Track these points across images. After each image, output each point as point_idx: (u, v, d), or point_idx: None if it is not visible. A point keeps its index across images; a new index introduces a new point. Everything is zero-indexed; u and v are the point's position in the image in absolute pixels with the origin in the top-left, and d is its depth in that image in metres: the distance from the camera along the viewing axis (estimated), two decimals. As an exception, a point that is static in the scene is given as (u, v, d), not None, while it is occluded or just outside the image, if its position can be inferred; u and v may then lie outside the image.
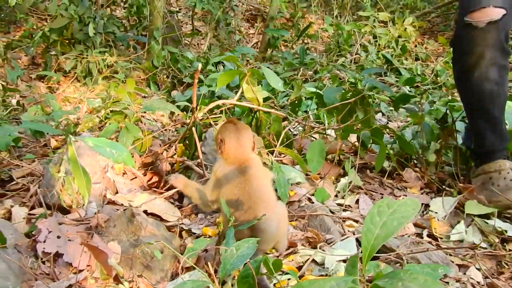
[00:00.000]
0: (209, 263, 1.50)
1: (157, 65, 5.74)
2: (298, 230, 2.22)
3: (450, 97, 3.84)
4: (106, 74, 5.39)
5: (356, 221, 2.37)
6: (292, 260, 2.01)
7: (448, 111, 2.94)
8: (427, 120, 3.01)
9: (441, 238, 2.30)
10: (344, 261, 1.98)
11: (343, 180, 2.73)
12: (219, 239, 1.91)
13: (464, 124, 2.94)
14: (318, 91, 4.13)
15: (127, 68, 5.62)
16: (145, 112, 3.80)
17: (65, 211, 2.32)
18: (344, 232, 2.24)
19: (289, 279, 1.85)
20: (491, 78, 2.40)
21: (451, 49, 2.56)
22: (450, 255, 2.13)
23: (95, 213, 2.28)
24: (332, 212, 2.42)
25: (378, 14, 7.40)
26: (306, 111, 3.96)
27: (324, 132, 3.13)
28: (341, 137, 2.88)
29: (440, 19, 9.58)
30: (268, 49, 7.39)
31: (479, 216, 2.41)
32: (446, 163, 3.00)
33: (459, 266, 2.06)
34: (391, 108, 4.99)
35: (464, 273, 2.00)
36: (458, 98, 2.80)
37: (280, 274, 1.82)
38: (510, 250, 2.19)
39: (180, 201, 2.55)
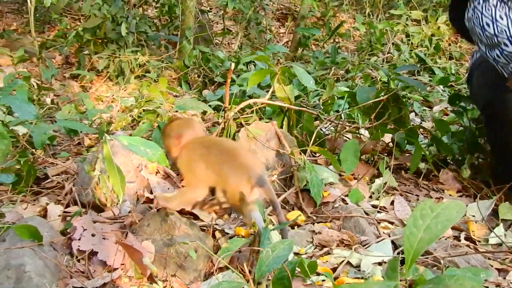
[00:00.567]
0: (244, 264, 1.48)
1: (188, 64, 5.75)
2: (333, 231, 2.19)
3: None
4: (138, 73, 5.42)
5: (391, 223, 2.33)
6: (327, 261, 1.99)
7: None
8: (464, 121, 2.95)
9: (479, 242, 2.25)
10: (380, 263, 1.94)
11: (378, 181, 2.68)
12: (253, 240, 1.89)
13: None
14: (350, 90, 4.09)
15: (158, 68, 5.65)
16: (176, 111, 3.81)
17: (99, 209, 2.33)
18: (379, 234, 2.21)
19: (323, 280, 1.82)
20: None
21: None
22: (489, 258, 2.07)
23: (129, 212, 2.29)
24: (367, 214, 2.39)
25: (410, 12, 7.29)
26: (337, 111, 3.92)
27: (357, 132, 3.08)
28: (375, 137, 2.83)
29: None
30: (299, 48, 7.34)
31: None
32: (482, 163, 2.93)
33: (499, 270, 2.00)
34: (424, 108, 4.91)
35: (504, 278, 1.95)
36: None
37: (315, 275, 1.80)
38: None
39: (213, 201, 2.54)
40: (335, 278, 1.85)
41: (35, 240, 1.89)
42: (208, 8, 8.50)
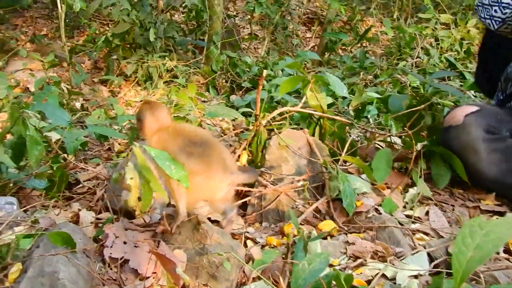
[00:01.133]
0: (280, 277, 1.46)
1: (216, 69, 5.76)
2: (367, 242, 2.15)
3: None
4: (166, 78, 5.45)
5: (427, 234, 2.27)
6: (361, 273, 1.95)
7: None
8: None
9: (518, 255, 2.18)
10: (416, 276, 1.90)
11: (412, 191, 2.63)
12: (287, 251, 1.86)
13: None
14: (379, 96, 4.04)
15: (186, 73, 5.67)
16: (203, 115, 3.80)
17: (130, 216, 2.33)
18: (415, 245, 2.16)
19: (358, 293, 1.79)
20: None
21: None
22: (530, 273, 2.01)
23: (160, 219, 2.28)
24: (401, 224, 2.34)
25: (439, 15, 7.19)
26: (367, 117, 3.87)
27: (389, 140, 3.03)
28: (408, 146, 2.78)
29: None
30: (326, 53, 7.31)
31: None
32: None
33: (540, 285, 1.94)
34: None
35: (546, 293, 1.88)
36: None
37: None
38: None
39: (244, 209, 2.53)
40: (370, 291, 1.81)
41: (68, 247, 1.89)
42: (235, 13, 8.51)
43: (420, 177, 2.63)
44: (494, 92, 2.98)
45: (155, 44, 5.74)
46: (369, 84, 5.67)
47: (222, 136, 3.67)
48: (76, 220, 2.29)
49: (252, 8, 6.44)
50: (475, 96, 5.20)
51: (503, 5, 2.63)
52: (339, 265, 2.01)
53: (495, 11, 2.67)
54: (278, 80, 4.07)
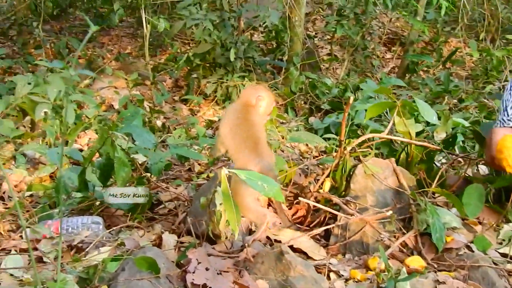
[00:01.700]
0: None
1: (295, 90, 5.73)
2: (458, 282, 2.02)
3: None
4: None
5: (525, 276, 2.12)
6: (453, 316, 1.83)
7: None
8: None
9: None
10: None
11: (507, 227, 2.46)
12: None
13: None
14: (466, 123, 3.85)
15: (265, 93, 5.67)
16: (283, 138, 3.76)
17: (212, 240, 2.32)
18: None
19: None
20: None
21: None
22: None
23: (242, 247, 2.25)
24: (496, 264, 2.19)
25: (529, 37, 6.85)
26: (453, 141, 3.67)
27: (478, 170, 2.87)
28: (501, 182, 2.61)
29: None
30: (407, 74, 7.12)
31: None
32: None
33: None
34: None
35: None
36: None
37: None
38: None
39: (327, 239, 2.45)
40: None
41: (152, 271, 1.89)
42: (314, 33, 8.47)
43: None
44: None
45: (235, 64, 5.78)
46: (453, 108, 5.46)
47: (301, 160, 3.62)
48: (159, 242, 2.31)
49: (333, 29, 6.37)
50: None
51: None
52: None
53: None
54: (360, 104, 3.98)
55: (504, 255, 2.29)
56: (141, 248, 2.09)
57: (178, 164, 3.64)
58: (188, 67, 6.20)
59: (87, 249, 2.13)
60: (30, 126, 3.90)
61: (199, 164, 3.59)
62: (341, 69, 6.96)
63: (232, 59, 5.68)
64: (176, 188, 3.01)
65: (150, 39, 6.72)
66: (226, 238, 2.30)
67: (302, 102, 5.71)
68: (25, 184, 3.11)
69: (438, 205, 2.53)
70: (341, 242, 2.38)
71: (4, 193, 2.93)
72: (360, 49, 7.10)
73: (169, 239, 2.30)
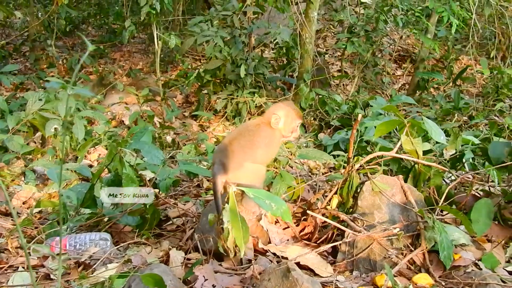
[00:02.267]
0: None
1: (304, 107, 5.74)
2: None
3: None
4: (255, 115, 5.49)
5: (533, 294, 2.09)
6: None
7: None
8: None
9: None
10: None
11: (514, 245, 2.45)
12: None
13: None
14: (477, 141, 3.82)
15: (275, 109, 5.68)
16: (292, 154, 3.77)
17: (219, 257, 2.32)
18: (520, 307, 1.99)
19: None
20: None
21: None
22: None
23: (248, 262, 2.25)
24: (504, 282, 2.16)
25: (541, 55, 6.83)
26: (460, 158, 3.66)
27: (488, 189, 2.85)
28: (509, 198, 2.60)
29: None
30: (417, 91, 7.12)
31: None
32: None
33: None
34: None
35: None
36: None
37: None
38: None
39: (334, 256, 2.44)
40: None
41: (159, 288, 1.89)
42: (325, 50, 8.51)
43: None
44: None
45: (245, 80, 5.81)
46: (463, 125, 5.44)
47: (310, 176, 3.62)
48: (166, 259, 2.31)
49: (344, 46, 6.40)
50: None
51: None
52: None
53: None
54: (369, 122, 3.97)
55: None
56: (148, 265, 2.09)
57: (187, 180, 3.65)
58: (199, 83, 6.25)
59: (94, 266, 2.14)
60: (40, 142, 3.94)
61: (208, 180, 3.59)
62: (351, 85, 6.98)
63: (242, 75, 5.71)
64: (184, 204, 3.01)
65: (162, 55, 6.80)
66: (234, 255, 2.30)
67: (312, 119, 5.72)
68: (34, 200, 3.14)
69: (446, 223, 2.51)
70: (348, 259, 2.37)
71: (13, 208, 2.96)
72: (370, 66, 7.11)
73: (177, 256, 2.30)
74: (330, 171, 3.77)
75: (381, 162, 2.81)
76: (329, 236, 2.51)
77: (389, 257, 2.34)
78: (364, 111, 5.35)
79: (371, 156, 2.60)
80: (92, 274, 2.06)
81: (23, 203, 3.12)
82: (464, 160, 3.70)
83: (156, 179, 2.76)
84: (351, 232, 2.36)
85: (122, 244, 2.37)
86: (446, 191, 2.59)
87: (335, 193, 2.62)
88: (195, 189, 3.46)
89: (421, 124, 2.63)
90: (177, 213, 2.89)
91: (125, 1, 6.96)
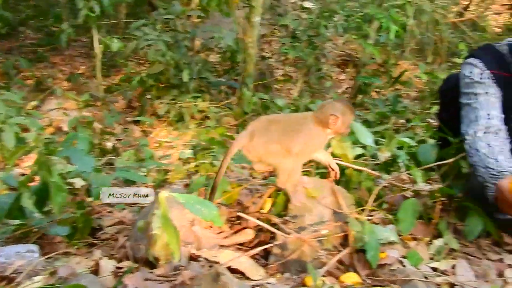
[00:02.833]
0: None
1: (247, 111, 5.76)
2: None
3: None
4: (198, 120, 5.49)
5: (453, 288, 2.18)
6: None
7: None
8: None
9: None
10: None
11: (437, 242, 2.54)
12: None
13: None
14: (412, 141, 3.93)
15: (218, 114, 5.69)
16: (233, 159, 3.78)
17: (152, 265, 2.30)
18: (441, 301, 2.07)
19: None
20: None
21: None
22: None
23: (178, 269, 2.24)
24: (426, 278, 2.25)
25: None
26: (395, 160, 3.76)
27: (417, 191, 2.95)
28: (434, 197, 2.70)
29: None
30: (359, 95, 7.26)
31: None
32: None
33: None
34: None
35: None
36: None
37: None
38: None
39: (266, 258, 2.47)
40: None
41: (85, 299, 1.87)
42: (270, 54, 8.57)
43: (448, 228, 2.55)
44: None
45: (188, 85, 5.80)
46: (401, 128, 5.59)
47: (249, 180, 3.63)
48: (96, 269, 2.27)
49: (286, 51, 6.47)
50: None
51: None
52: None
53: None
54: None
55: (434, 269, 2.37)
56: (76, 277, 2.06)
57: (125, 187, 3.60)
58: (142, 88, 6.19)
59: (18, 279, 2.08)
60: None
61: (146, 187, 3.56)
62: (295, 89, 7.06)
63: (186, 79, 5.70)
64: (120, 212, 2.98)
65: (105, 59, 6.69)
66: (166, 262, 2.29)
67: (256, 123, 5.73)
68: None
69: (375, 223, 2.59)
70: (280, 261, 2.40)
71: None
72: (313, 71, 7.21)
73: (107, 265, 2.26)
74: (271, 175, 3.79)
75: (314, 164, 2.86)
76: (262, 239, 2.54)
77: (319, 258, 2.39)
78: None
79: (302, 161, 2.65)
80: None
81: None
82: (399, 161, 3.81)
83: (91, 186, 2.71)
84: (282, 235, 2.39)
85: (50, 255, 2.31)
86: (375, 192, 2.67)
87: (269, 196, 2.66)
88: (133, 196, 3.42)
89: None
90: (112, 222, 2.85)
91: (64, 3, 6.82)
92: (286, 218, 2.50)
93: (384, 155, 3.71)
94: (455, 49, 8.09)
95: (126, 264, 2.31)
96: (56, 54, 7.73)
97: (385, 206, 2.86)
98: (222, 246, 2.51)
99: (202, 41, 6.76)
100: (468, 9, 9.83)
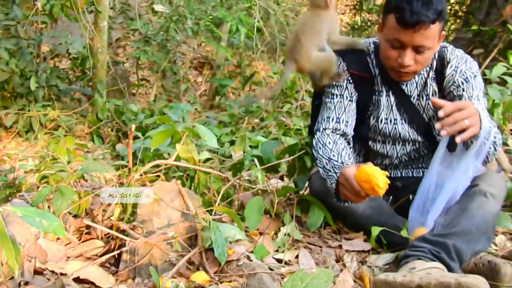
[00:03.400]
0: None
1: (101, 118, 5.67)
2: (236, 292, 2.19)
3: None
4: (48, 129, 5.29)
5: (295, 278, 2.34)
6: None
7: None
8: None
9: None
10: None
11: (281, 235, 2.71)
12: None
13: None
14: (264, 139, 4.12)
15: (71, 122, 5.53)
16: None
17: (-5, 282, 2.22)
18: (283, 290, 2.21)
19: None
20: None
21: None
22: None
23: (25, 284, 2.19)
24: (271, 269, 2.40)
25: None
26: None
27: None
28: (281, 194, 2.88)
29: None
30: (216, 97, 7.44)
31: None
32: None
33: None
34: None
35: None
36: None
37: None
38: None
39: (117, 266, 2.48)
40: None
41: None
42: (124, 58, 8.47)
43: (291, 220, 2.73)
44: None
45: (36, 94, 5.56)
46: (256, 127, 5.82)
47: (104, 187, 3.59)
48: None
49: (138, 55, 6.45)
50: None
51: None
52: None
53: None
54: (153, 132, 4.06)
55: (279, 260, 2.52)
56: None
57: (-33, 205, 3.40)
58: (-15, 99, 5.83)
59: None
60: None
61: (-10, 203, 3.39)
62: (151, 94, 7.06)
63: (33, 88, 5.47)
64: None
65: None
66: (7, 278, 2.22)
67: (110, 130, 5.66)
68: None
69: (223, 221, 2.70)
70: (130, 267, 2.42)
71: None
72: (170, 74, 7.26)
73: None
74: (113, 186, 3.77)
75: (163, 170, 2.91)
76: (113, 247, 2.54)
77: (169, 260, 2.44)
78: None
79: (149, 165, 2.70)
80: None
81: None
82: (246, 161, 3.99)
83: None
84: (131, 240, 2.42)
85: None
86: (221, 192, 2.79)
87: (117, 203, 2.67)
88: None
89: (194, 131, 2.78)
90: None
91: None
92: (135, 223, 2.53)
93: (237, 155, 3.88)
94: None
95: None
96: None
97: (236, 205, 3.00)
98: (69, 258, 2.49)
99: (52, 47, 6.52)
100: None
